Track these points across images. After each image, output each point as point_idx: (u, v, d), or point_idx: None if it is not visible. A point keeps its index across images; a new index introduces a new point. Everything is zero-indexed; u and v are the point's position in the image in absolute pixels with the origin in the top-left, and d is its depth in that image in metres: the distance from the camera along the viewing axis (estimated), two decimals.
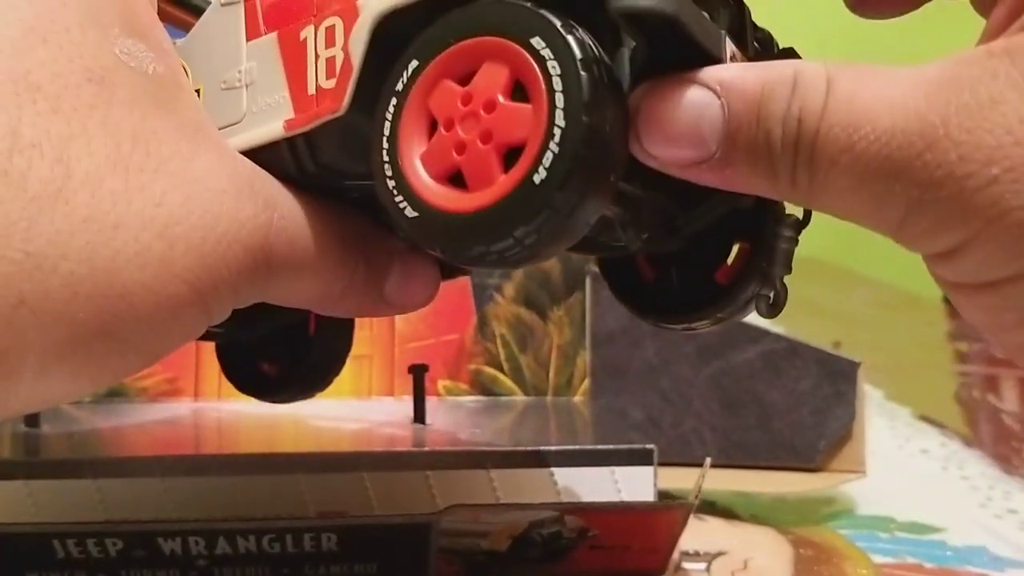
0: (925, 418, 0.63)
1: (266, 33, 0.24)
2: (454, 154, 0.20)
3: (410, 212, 0.21)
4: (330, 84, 0.23)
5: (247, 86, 0.25)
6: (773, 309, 0.23)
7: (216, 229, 0.21)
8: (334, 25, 0.23)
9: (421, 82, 0.21)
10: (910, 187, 0.18)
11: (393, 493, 0.34)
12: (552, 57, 0.19)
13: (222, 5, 0.25)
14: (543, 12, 0.20)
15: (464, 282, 0.46)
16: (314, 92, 0.23)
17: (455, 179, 0.21)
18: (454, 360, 0.45)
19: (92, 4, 0.21)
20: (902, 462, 0.54)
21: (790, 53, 0.24)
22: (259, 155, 0.24)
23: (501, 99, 0.20)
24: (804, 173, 0.19)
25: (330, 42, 0.23)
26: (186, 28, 0.37)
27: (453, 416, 0.43)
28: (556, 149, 0.19)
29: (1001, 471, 0.53)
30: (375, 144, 0.21)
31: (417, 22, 0.21)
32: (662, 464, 0.38)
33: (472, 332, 0.45)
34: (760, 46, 0.23)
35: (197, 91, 0.25)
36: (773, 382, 0.49)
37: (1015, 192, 0.17)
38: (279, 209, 0.23)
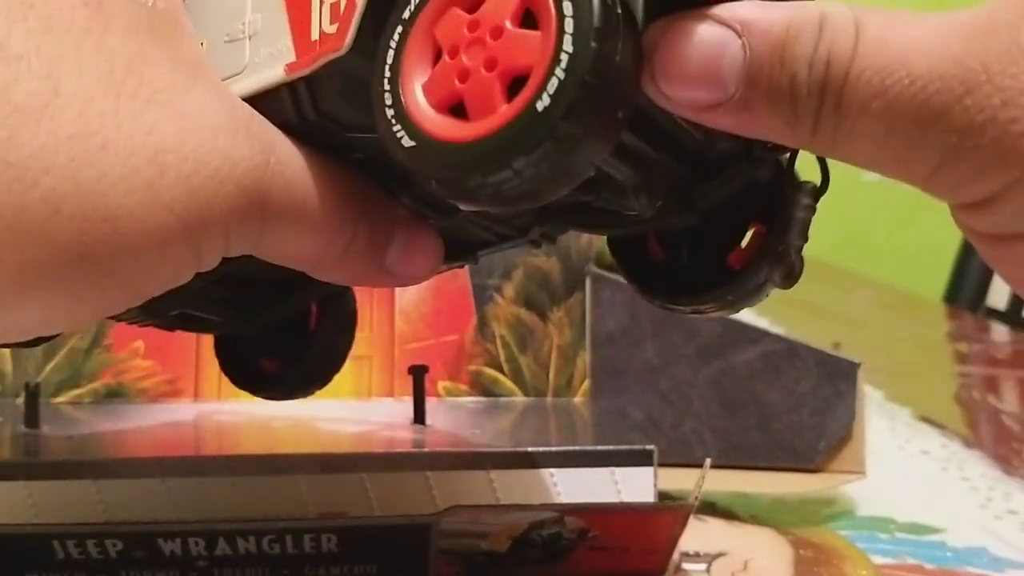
0: (925, 419, 0.63)
1: None
2: (456, 82, 0.20)
3: (407, 141, 0.20)
4: (333, 29, 0.22)
5: (250, 37, 0.24)
6: (788, 280, 0.23)
7: (209, 163, 0.20)
8: None
9: (428, 9, 0.20)
10: (947, 133, 0.17)
11: (393, 494, 0.34)
12: None
13: None
14: None
15: (464, 283, 0.45)
16: (317, 38, 0.22)
17: (457, 110, 0.20)
18: (454, 361, 0.45)
19: None
20: (902, 463, 0.54)
21: None
22: (259, 102, 0.23)
23: (509, 25, 0.19)
24: (830, 119, 0.18)
25: None
26: None
27: (453, 417, 0.43)
28: (562, 75, 0.18)
29: (1001, 472, 0.53)
30: (377, 73, 0.21)
31: None
32: (662, 465, 0.37)
33: (472, 333, 0.45)
34: None
35: (200, 45, 0.25)
36: (773, 383, 0.48)
37: None
38: (276, 154, 0.22)
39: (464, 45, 0.20)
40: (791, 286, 0.23)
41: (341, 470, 0.34)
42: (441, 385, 0.46)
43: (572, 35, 0.18)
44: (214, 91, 0.21)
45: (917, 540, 0.44)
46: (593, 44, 0.18)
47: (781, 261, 0.23)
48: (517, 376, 0.46)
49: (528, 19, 0.19)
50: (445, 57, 0.20)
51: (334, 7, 0.22)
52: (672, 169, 0.23)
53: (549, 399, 0.47)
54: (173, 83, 0.20)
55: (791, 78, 0.18)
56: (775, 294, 0.24)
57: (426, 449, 0.36)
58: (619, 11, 0.19)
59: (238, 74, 0.24)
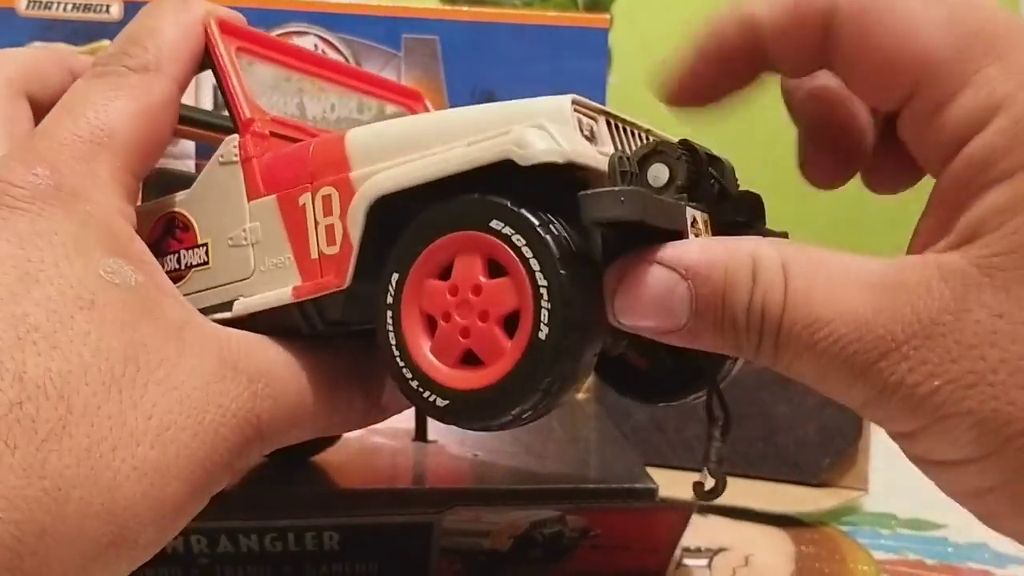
0: None
1: (266, 195, 0.26)
2: (460, 339, 0.23)
3: (441, 402, 0.23)
4: (332, 251, 0.25)
5: (253, 245, 0.26)
6: (710, 495, 0.25)
7: (204, 421, 0.22)
8: (330, 195, 0.25)
9: (408, 290, 0.23)
10: (867, 387, 0.21)
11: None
12: (514, 231, 0.22)
13: (220, 163, 0.27)
14: (493, 199, 0.22)
15: None
16: (317, 257, 0.25)
17: (467, 359, 0.23)
18: None
19: (76, 234, 0.23)
20: (904, 459, 0.54)
21: (749, 197, 0.25)
22: (270, 315, 0.26)
23: (483, 280, 0.22)
24: (769, 354, 0.22)
25: (328, 211, 0.25)
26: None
27: None
28: (548, 305, 0.21)
29: None
30: (387, 354, 0.23)
31: (407, 199, 0.23)
32: (665, 467, 0.38)
33: None
34: (718, 174, 0.24)
35: (204, 245, 0.27)
36: (780, 395, 0.48)
37: (953, 400, 0.20)
38: (264, 377, 0.24)
39: (453, 308, 0.23)
40: (712, 499, 0.25)
41: (341, 508, 0.33)
42: None
43: (540, 271, 0.21)
44: (201, 344, 0.23)
45: (919, 536, 0.44)
46: (561, 272, 0.21)
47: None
48: None
49: (493, 267, 0.22)
50: (440, 322, 0.23)
51: (329, 228, 0.25)
52: None
53: None
54: (165, 356, 0.22)
55: (732, 320, 0.21)
56: None
57: (427, 486, 0.35)
58: (568, 237, 0.22)
59: (246, 279, 0.26)
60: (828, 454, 0.47)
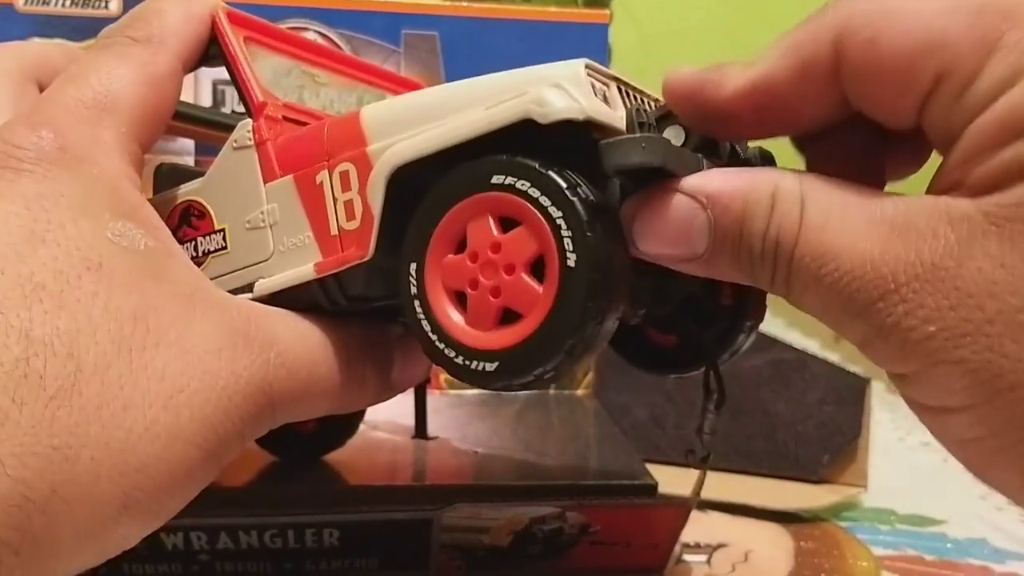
0: None
1: (282, 176, 0.26)
2: (492, 299, 0.22)
3: (490, 367, 0.22)
4: (351, 226, 0.25)
5: (271, 226, 0.26)
6: (702, 463, 0.26)
7: (216, 386, 0.22)
8: (348, 171, 0.25)
9: (429, 273, 0.23)
10: (865, 325, 0.21)
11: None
12: (517, 179, 0.22)
13: (234, 149, 0.27)
14: (487, 159, 0.22)
15: None
16: (336, 233, 0.25)
17: (504, 318, 0.22)
18: None
19: (83, 196, 0.22)
20: (903, 455, 0.54)
21: (761, 156, 0.25)
22: (291, 292, 0.26)
23: (498, 235, 0.22)
24: (781, 283, 0.22)
25: (346, 186, 0.25)
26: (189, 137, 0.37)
27: (455, 416, 0.43)
28: (569, 233, 0.21)
29: None
30: (425, 341, 0.23)
31: (426, 169, 0.23)
32: (664, 464, 0.37)
33: None
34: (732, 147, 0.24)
35: (222, 231, 0.27)
36: (780, 392, 0.48)
37: (947, 348, 0.20)
38: (276, 346, 0.24)
39: (478, 273, 0.23)
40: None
41: (341, 505, 0.33)
42: (444, 377, 0.46)
43: (552, 205, 0.21)
44: (212, 310, 0.23)
45: (918, 531, 0.44)
46: (572, 198, 0.21)
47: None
48: None
49: (505, 223, 0.22)
50: (469, 291, 0.23)
51: (348, 204, 0.25)
52: (651, 283, 0.25)
53: (552, 391, 0.47)
54: (175, 319, 0.22)
55: (748, 249, 0.22)
56: None
57: (427, 482, 0.35)
58: (571, 171, 0.22)
59: (266, 260, 0.26)
60: (828, 450, 0.47)
